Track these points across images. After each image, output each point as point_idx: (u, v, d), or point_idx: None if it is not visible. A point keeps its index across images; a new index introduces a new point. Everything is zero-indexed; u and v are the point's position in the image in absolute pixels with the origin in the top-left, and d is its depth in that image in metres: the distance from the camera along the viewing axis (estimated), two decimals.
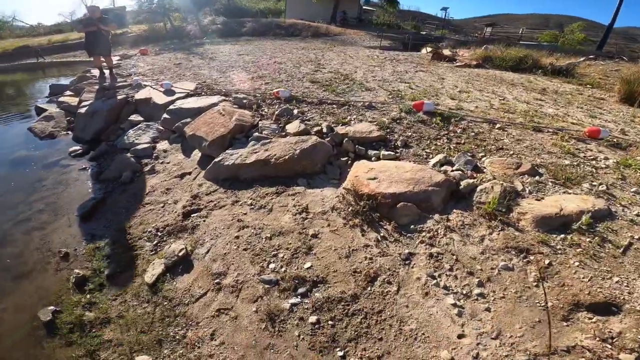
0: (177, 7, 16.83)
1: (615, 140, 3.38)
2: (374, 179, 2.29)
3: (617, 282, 1.89)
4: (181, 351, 1.85)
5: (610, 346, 1.59)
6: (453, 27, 33.56)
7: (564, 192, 2.48)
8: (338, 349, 1.72)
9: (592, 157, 3.00)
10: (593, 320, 1.70)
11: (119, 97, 5.01)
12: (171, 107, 4.32)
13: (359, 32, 16.46)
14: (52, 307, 2.15)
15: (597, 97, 5.54)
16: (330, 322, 1.81)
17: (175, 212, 2.74)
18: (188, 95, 4.74)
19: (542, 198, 2.38)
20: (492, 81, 5.54)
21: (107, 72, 6.35)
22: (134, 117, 4.69)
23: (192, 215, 2.64)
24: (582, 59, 8.82)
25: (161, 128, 4.28)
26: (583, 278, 1.92)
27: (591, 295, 1.80)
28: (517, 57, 7.53)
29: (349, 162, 2.70)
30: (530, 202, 2.32)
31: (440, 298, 1.87)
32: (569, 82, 6.28)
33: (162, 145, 4.00)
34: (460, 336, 1.70)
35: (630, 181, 2.70)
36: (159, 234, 2.60)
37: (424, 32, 21.43)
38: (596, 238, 2.10)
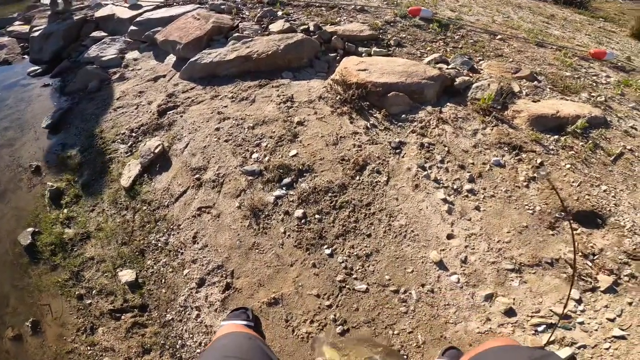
0: None
1: (619, 63, 3.40)
2: (365, 70, 2.24)
3: (604, 190, 1.96)
4: (164, 260, 1.85)
5: (590, 264, 1.65)
6: None
7: (562, 99, 2.51)
8: (325, 246, 1.73)
9: (593, 74, 3.03)
10: (578, 232, 1.77)
11: (76, 18, 4.68)
12: (139, 19, 4.05)
13: None
14: (30, 229, 2.12)
15: (607, 29, 5.47)
16: (317, 217, 1.81)
17: (150, 111, 2.67)
18: (157, 7, 4.45)
19: (539, 100, 2.41)
20: (498, 1, 5.37)
21: None
22: (97, 34, 4.40)
23: (168, 113, 2.58)
24: None
25: (129, 40, 4.06)
26: (573, 182, 1.99)
27: (579, 202, 1.87)
28: None
29: (338, 57, 2.62)
30: (526, 102, 2.34)
31: (431, 192, 1.90)
32: (580, 13, 6.16)
33: (132, 54, 3.81)
34: (449, 236, 1.75)
35: (629, 97, 2.77)
36: (134, 134, 2.55)
37: None
38: (589, 143, 2.17)
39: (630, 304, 1.52)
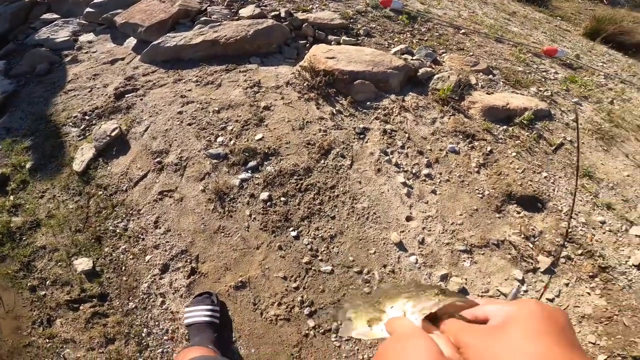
0: None
1: (568, 61, 3.75)
2: (333, 58, 2.36)
3: (545, 177, 2.21)
4: (124, 246, 1.83)
5: (532, 245, 1.85)
6: None
7: (512, 92, 2.77)
8: (291, 228, 1.80)
9: (543, 70, 3.34)
10: (521, 215, 1.99)
11: None
12: (96, 0, 3.87)
13: None
14: None
15: (563, 28, 5.93)
16: (282, 199, 1.87)
17: (106, 94, 2.59)
18: None
19: (492, 93, 2.65)
20: None
21: None
22: (48, 16, 4.09)
23: (126, 96, 2.52)
24: None
25: (84, 22, 3.84)
26: (517, 169, 2.24)
27: (522, 187, 2.10)
28: None
29: (308, 45, 2.71)
30: (481, 94, 2.57)
31: (392, 175, 2.05)
32: (540, 11, 6.62)
33: (87, 37, 3.62)
34: (408, 218, 1.90)
35: (573, 93, 3.09)
36: (87, 117, 2.46)
37: None
38: (534, 133, 2.43)
39: (567, 284, 1.76)
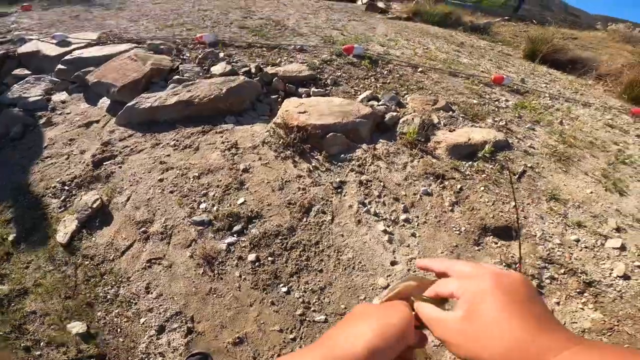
0: None
1: (515, 87, 3.89)
2: (304, 112, 2.30)
3: (514, 206, 2.20)
4: (117, 310, 1.75)
5: (515, 272, 1.88)
6: None
7: (472, 126, 2.80)
8: (281, 284, 1.76)
9: (495, 99, 3.43)
10: (498, 245, 1.96)
11: None
12: (67, 57, 3.64)
13: None
14: None
15: (505, 52, 6.21)
16: (270, 259, 1.83)
17: (84, 162, 2.43)
18: (89, 45, 3.99)
19: (454, 130, 2.66)
20: (419, 33, 5.84)
21: None
22: (19, 71, 3.85)
23: (104, 164, 2.36)
24: (498, 19, 9.72)
25: (56, 80, 3.62)
26: (487, 202, 2.22)
27: (495, 219, 2.08)
28: (443, 13, 8.01)
29: (279, 99, 2.65)
30: (444, 133, 2.58)
31: (372, 225, 2.00)
32: (484, 38, 6.93)
33: (59, 96, 3.42)
34: (392, 263, 1.86)
35: (525, 119, 3.16)
36: (67, 187, 2.30)
37: None
38: (497, 165, 2.43)
39: (557, 303, 1.73)
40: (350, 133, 2.32)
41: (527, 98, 3.73)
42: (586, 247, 1.98)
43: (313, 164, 2.25)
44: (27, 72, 3.86)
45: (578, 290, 1.76)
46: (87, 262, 1.92)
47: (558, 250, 1.95)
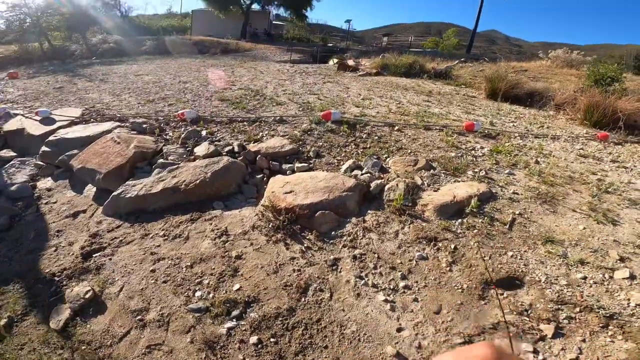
0: (57, 26, 14.41)
1: (486, 131, 4.09)
2: (291, 192, 2.31)
3: (512, 256, 2.17)
4: None
5: (527, 318, 1.78)
6: (356, 38, 36.70)
7: (455, 181, 2.86)
8: None
9: (471, 148, 3.55)
10: (504, 296, 1.92)
11: None
12: (51, 137, 3.63)
13: (269, 46, 16.64)
14: None
15: (470, 95, 6.64)
16: (272, 340, 1.76)
17: (73, 254, 2.38)
18: (73, 123, 4.02)
19: (438, 189, 2.70)
20: (390, 87, 6.21)
21: None
22: (4, 153, 3.82)
23: (94, 256, 2.31)
24: (456, 62, 10.54)
25: (41, 163, 3.59)
26: (484, 256, 2.18)
27: (495, 272, 2.05)
28: (407, 64, 8.63)
29: (265, 178, 2.66)
30: (429, 194, 2.61)
31: (372, 296, 1.96)
32: (448, 83, 7.44)
33: (45, 183, 3.37)
34: (399, 329, 1.80)
35: (502, 164, 3.25)
36: (57, 279, 2.24)
37: (330, 44, 22.77)
38: (486, 218, 2.43)
39: (583, 340, 1.66)
40: (339, 208, 2.32)
41: (500, 141, 3.89)
42: (595, 283, 1.96)
43: (305, 245, 2.21)
44: (12, 153, 3.82)
45: (601, 324, 1.72)
46: (84, 347, 1.85)
47: (567, 291, 1.92)
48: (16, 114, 4.43)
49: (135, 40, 15.48)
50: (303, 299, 1.93)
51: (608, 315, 1.75)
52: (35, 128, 4.02)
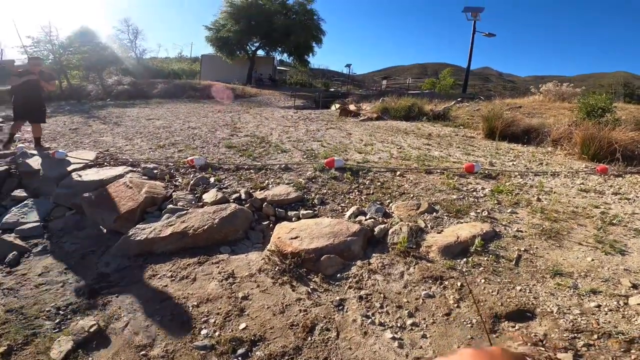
0: (76, 65, 15.32)
1: (486, 172, 4.23)
2: (296, 237, 2.40)
3: (520, 290, 2.20)
4: None
5: (543, 348, 1.78)
6: (357, 82, 38.83)
7: (458, 223, 2.94)
8: None
9: (472, 189, 3.67)
10: (516, 328, 1.93)
11: None
12: (66, 180, 3.81)
13: (274, 92, 17.61)
14: None
15: (468, 136, 6.91)
16: None
17: (80, 290, 2.44)
18: (87, 166, 4.19)
19: (442, 231, 2.79)
20: (390, 131, 6.52)
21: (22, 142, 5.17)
22: (18, 193, 3.94)
23: (101, 293, 2.38)
24: (453, 102, 11.05)
25: (54, 204, 3.74)
26: (492, 292, 2.22)
27: (504, 305, 2.07)
28: (406, 107, 9.08)
29: (271, 225, 2.76)
30: (433, 236, 2.69)
31: (379, 334, 1.97)
32: (447, 125, 7.77)
33: (56, 224, 3.48)
34: None
35: (504, 204, 3.34)
36: (61, 312, 2.29)
37: (332, 89, 24.06)
38: (491, 256, 2.48)
39: None
40: (344, 252, 2.40)
41: (500, 181, 4.00)
42: (610, 310, 1.96)
43: (311, 286, 2.26)
44: (25, 194, 3.91)
45: (622, 349, 1.70)
46: None
47: (582, 320, 1.92)
48: (33, 155, 4.65)
49: (147, 83, 16.48)
50: (309, 338, 1.96)
51: (628, 339, 1.75)
52: (50, 169, 4.18)
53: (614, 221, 2.94)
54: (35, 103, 4.95)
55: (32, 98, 4.91)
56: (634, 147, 5.31)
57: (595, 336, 1.82)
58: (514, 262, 2.44)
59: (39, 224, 3.40)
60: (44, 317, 2.27)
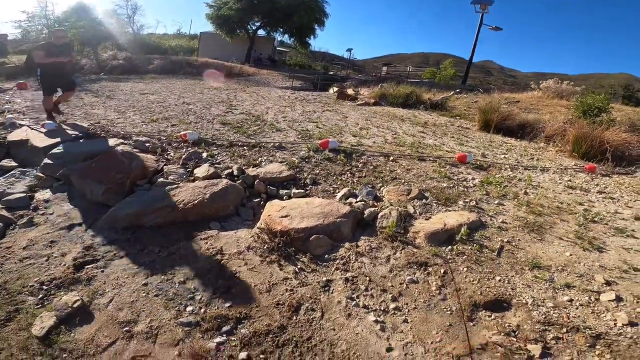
0: (71, 39, 14.90)
1: (478, 162, 4.27)
2: (287, 216, 2.41)
3: (499, 280, 2.27)
4: None
5: (515, 339, 1.86)
6: (357, 67, 38.19)
7: (446, 210, 2.98)
8: None
9: (463, 179, 3.71)
10: (492, 317, 2.00)
11: None
12: (55, 150, 3.71)
13: (272, 72, 17.23)
14: None
15: (464, 126, 6.91)
16: (262, 356, 1.79)
17: (64, 264, 2.39)
18: (77, 138, 4.12)
19: (430, 217, 2.82)
20: (387, 117, 6.48)
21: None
22: (6, 162, 3.84)
23: (86, 267, 2.34)
24: (451, 93, 10.98)
25: (41, 175, 3.63)
26: (473, 281, 2.29)
27: (483, 295, 2.14)
28: (405, 94, 9.00)
29: (262, 202, 2.76)
30: (421, 222, 2.73)
31: (362, 317, 2.02)
32: (443, 114, 7.75)
33: (43, 194, 3.39)
34: (388, 349, 1.85)
35: (492, 195, 3.40)
36: (45, 287, 2.25)
37: (331, 73, 23.63)
38: (475, 245, 2.54)
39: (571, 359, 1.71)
40: (333, 233, 2.42)
41: (491, 172, 4.05)
42: (581, 305, 2.04)
43: (299, 266, 2.29)
44: (13, 163, 3.84)
45: (588, 344, 1.78)
46: (65, 355, 1.83)
47: (554, 313, 2.00)
48: (22, 125, 4.53)
49: (143, 58, 15.99)
50: (294, 318, 1.99)
51: (595, 335, 1.84)
52: (39, 140, 4.07)
53: (596, 219, 3.02)
54: (66, 74, 4.97)
55: (64, 70, 4.88)
56: (625, 148, 5.38)
57: (565, 330, 1.90)
58: (496, 252, 2.50)
59: (25, 194, 3.33)
60: (27, 292, 2.24)
